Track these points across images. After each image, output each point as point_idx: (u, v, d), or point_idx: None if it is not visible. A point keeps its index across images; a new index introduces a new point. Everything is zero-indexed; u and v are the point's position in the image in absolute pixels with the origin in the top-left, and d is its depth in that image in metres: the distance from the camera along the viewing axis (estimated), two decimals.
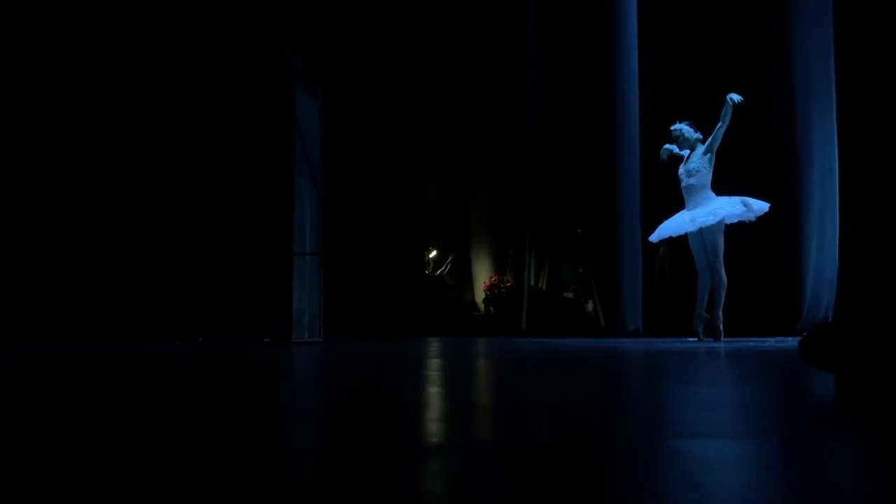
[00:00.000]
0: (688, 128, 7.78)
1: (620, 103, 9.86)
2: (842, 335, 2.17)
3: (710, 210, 7.51)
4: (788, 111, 9.21)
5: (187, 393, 2.70)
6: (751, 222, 7.65)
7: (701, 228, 7.51)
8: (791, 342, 6.52)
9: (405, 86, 11.27)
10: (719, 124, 7.50)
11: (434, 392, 2.64)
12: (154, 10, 8.51)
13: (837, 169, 8.82)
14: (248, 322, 8.33)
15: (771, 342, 7.15)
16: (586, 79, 10.24)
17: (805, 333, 2.53)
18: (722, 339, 7.56)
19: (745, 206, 7.57)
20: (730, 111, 7.43)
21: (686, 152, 7.78)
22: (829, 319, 8.50)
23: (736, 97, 7.42)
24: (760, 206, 7.61)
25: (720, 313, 7.59)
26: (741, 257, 8.38)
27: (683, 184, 7.73)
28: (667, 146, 7.95)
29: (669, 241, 8.52)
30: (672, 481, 1.14)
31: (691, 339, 7.76)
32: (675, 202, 7.93)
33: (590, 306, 10.89)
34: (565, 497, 1.04)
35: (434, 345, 7.33)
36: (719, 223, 7.50)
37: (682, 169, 7.75)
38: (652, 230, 8.08)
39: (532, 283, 10.71)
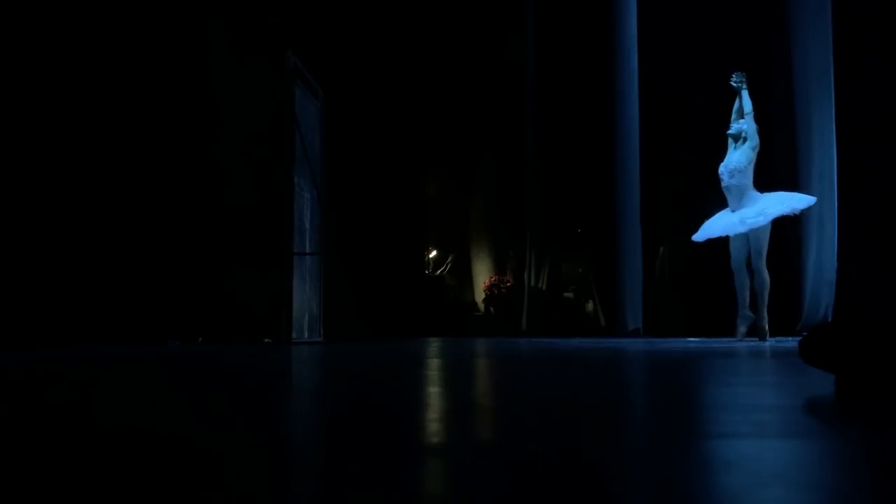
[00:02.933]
0: (754, 127, 7.53)
1: (621, 102, 9.86)
2: (842, 335, 2.17)
3: (759, 210, 7.35)
4: (788, 111, 9.21)
5: (188, 393, 2.70)
6: (796, 214, 7.65)
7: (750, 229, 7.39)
8: (791, 342, 6.52)
9: (405, 86, 11.26)
10: (748, 112, 7.47)
11: (434, 392, 2.64)
12: (155, 10, 8.50)
13: (836, 169, 8.81)
14: (248, 322, 8.32)
15: (771, 342, 7.15)
16: (587, 78, 10.23)
17: (805, 334, 2.53)
18: (767, 338, 7.39)
19: (792, 201, 7.51)
20: (745, 93, 7.45)
21: (731, 146, 7.59)
22: (829, 319, 8.50)
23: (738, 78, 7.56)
24: (808, 201, 7.62)
25: (765, 313, 7.44)
26: None
27: (724, 183, 7.53)
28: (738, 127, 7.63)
29: (679, 242, 8.39)
30: (672, 481, 1.14)
31: (733, 339, 7.55)
32: (675, 201, 7.90)
33: (590, 306, 10.89)
34: (564, 498, 1.04)
35: (434, 345, 7.33)
36: (769, 223, 7.37)
37: (722, 168, 7.56)
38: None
39: (532, 283, 10.70)
